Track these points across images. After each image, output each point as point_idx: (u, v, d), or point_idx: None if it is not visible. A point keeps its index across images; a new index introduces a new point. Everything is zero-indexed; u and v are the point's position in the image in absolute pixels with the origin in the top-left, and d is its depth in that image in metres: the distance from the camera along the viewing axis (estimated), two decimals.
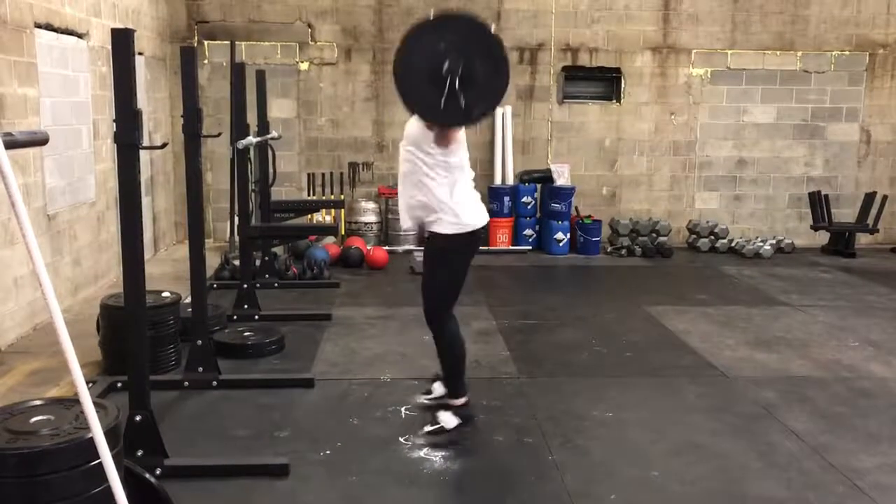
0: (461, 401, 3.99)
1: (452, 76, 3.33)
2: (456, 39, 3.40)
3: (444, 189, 3.90)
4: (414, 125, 3.95)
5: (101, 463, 2.15)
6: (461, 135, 3.91)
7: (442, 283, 4.04)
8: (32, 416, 2.61)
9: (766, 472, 3.76)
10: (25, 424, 2.56)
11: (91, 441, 2.14)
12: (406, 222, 4.13)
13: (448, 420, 3.91)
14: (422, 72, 3.39)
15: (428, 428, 3.90)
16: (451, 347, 4.03)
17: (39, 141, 2.35)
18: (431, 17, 3.51)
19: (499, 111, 9.39)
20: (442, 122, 3.60)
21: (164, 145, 3.56)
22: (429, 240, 4.06)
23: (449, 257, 4.01)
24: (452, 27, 3.46)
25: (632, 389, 4.85)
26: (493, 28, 3.55)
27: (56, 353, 5.23)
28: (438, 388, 4.46)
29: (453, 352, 4.04)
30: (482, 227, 4.06)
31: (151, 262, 8.27)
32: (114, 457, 2.64)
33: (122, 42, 3.25)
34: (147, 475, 2.88)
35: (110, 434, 2.61)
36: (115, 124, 3.24)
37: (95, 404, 2.87)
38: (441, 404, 4.03)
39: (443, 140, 3.78)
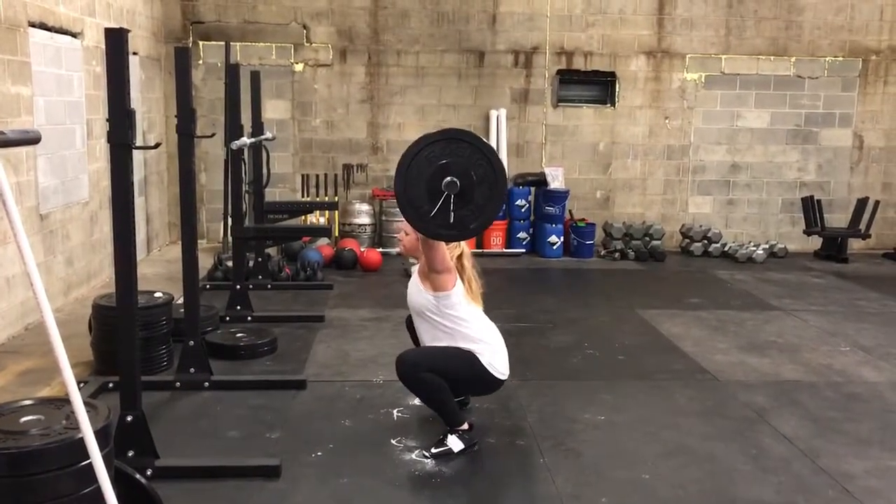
0: (464, 427, 3.97)
1: (449, 192, 3.42)
2: (460, 157, 3.47)
3: (471, 338, 3.91)
4: (413, 292, 4.00)
5: (91, 463, 2.15)
6: (457, 289, 3.88)
7: (445, 365, 3.90)
8: (22, 416, 2.61)
9: (756, 475, 3.77)
10: (15, 424, 2.55)
11: (81, 441, 2.13)
12: None
13: (455, 443, 3.88)
14: (421, 179, 3.47)
15: (434, 450, 3.86)
16: (430, 391, 3.92)
17: (31, 140, 2.34)
18: (444, 132, 3.58)
19: (493, 114, 9.42)
20: (425, 233, 3.62)
21: (157, 145, 3.55)
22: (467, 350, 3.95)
23: (468, 369, 3.92)
24: (460, 146, 3.51)
25: (624, 393, 4.86)
26: (496, 155, 3.59)
27: (47, 353, 5.21)
28: None
29: (433, 395, 3.93)
30: (504, 380, 4.05)
31: (144, 262, 8.25)
32: (104, 457, 2.64)
33: (117, 42, 3.25)
34: (137, 476, 2.88)
35: (101, 434, 2.61)
36: (108, 124, 3.24)
37: (86, 404, 2.86)
38: (447, 429, 3.98)
39: (427, 249, 3.74)
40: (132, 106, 3.27)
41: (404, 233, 4.11)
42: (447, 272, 3.86)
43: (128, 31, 3.26)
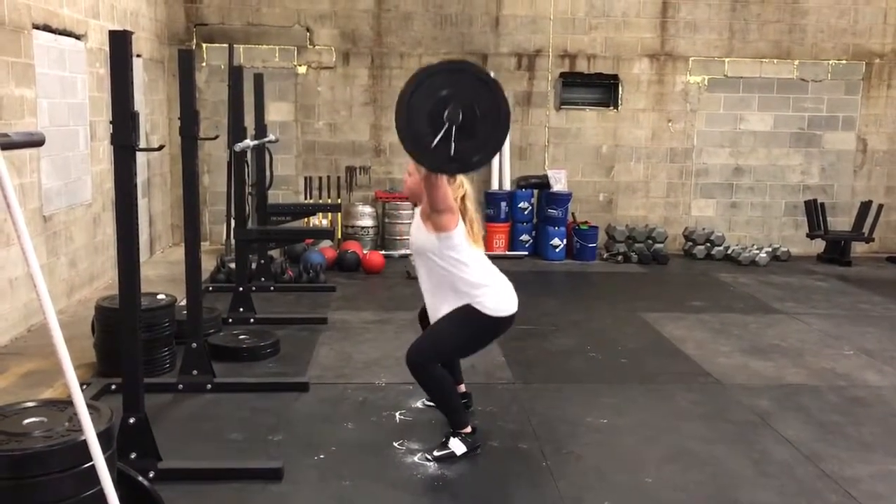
0: (467, 429, 3.96)
1: (450, 124, 3.33)
2: (463, 89, 3.37)
3: (471, 282, 3.82)
4: (416, 233, 3.93)
5: (94, 465, 2.15)
6: (459, 230, 3.80)
7: (445, 345, 3.90)
8: (25, 418, 2.61)
9: (759, 479, 3.76)
10: (18, 426, 2.55)
11: (84, 443, 2.13)
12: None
13: (457, 446, 3.87)
14: (423, 111, 3.37)
15: (437, 453, 3.85)
16: (439, 389, 3.91)
17: (36, 142, 2.35)
18: (446, 63, 3.50)
19: None
20: (426, 164, 3.54)
21: (160, 147, 3.56)
22: (462, 309, 3.87)
23: (474, 330, 3.88)
24: (462, 76, 3.44)
25: (626, 396, 4.85)
26: (491, 74, 3.53)
27: (50, 355, 5.21)
28: None
29: (441, 393, 3.92)
30: (514, 315, 3.96)
31: (147, 264, 8.25)
32: (107, 459, 2.64)
33: (121, 44, 3.25)
34: (140, 478, 2.88)
35: (104, 436, 2.61)
36: (111, 126, 3.24)
37: (89, 406, 2.86)
38: (450, 431, 3.97)
39: (428, 187, 3.67)
40: (135, 108, 3.28)
41: (408, 174, 4.01)
42: (449, 212, 3.75)
43: (132, 33, 3.26)
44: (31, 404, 2.71)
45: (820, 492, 3.65)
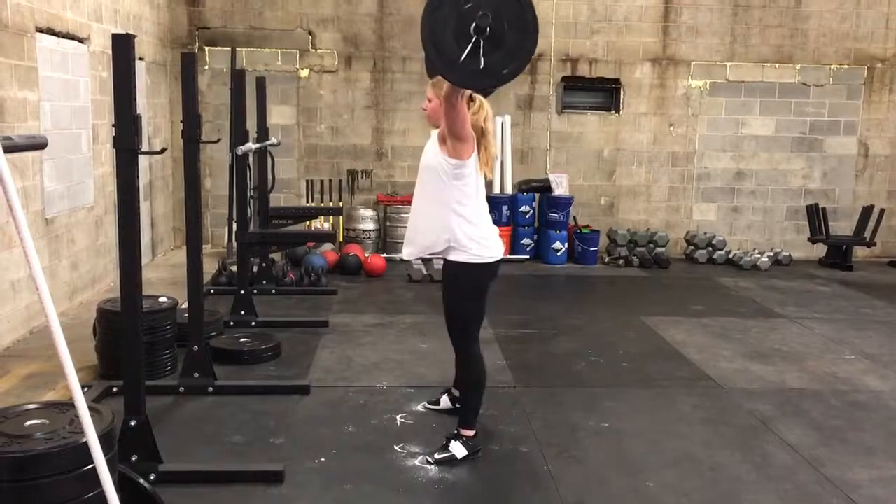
0: (472, 432, 3.96)
1: (479, 35, 3.16)
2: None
3: (464, 217, 3.79)
4: (429, 152, 3.87)
5: (95, 468, 2.15)
6: (472, 161, 3.75)
7: (467, 314, 3.92)
8: (27, 420, 2.61)
9: (760, 484, 3.76)
10: (20, 428, 2.56)
11: (85, 445, 2.13)
12: (410, 249, 3.99)
13: (458, 449, 3.87)
14: (448, 24, 3.21)
15: (437, 455, 3.85)
16: (473, 374, 3.94)
17: (38, 145, 2.36)
18: None
19: (498, 120, 9.41)
20: (453, 79, 3.36)
21: (163, 150, 3.56)
22: (447, 271, 3.91)
23: (472, 288, 3.88)
24: None
25: (627, 400, 4.85)
26: None
27: (52, 357, 5.22)
28: (445, 402, 4.47)
29: (474, 380, 3.95)
30: (501, 259, 3.95)
31: (149, 267, 8.27)
32: (108, 462, 2.64)
33: (123, 47, 3.26)
34: (141, 480, 2.88)
35: (105, 439, 2.61)
36: (114, 129, 3.25)
37: (90, 409, 2.87)
38: (451, 434, 3.98)
39: (448, 109, 3.56)
40: (138, 111, 3.28)
41: (427, 99, 3.94)
42: (466, 140, 3.67)
43: (134, 36, 3.27)
44: (32, 406, 2.72)
45: (821, 496, 3.65)
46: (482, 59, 3.21)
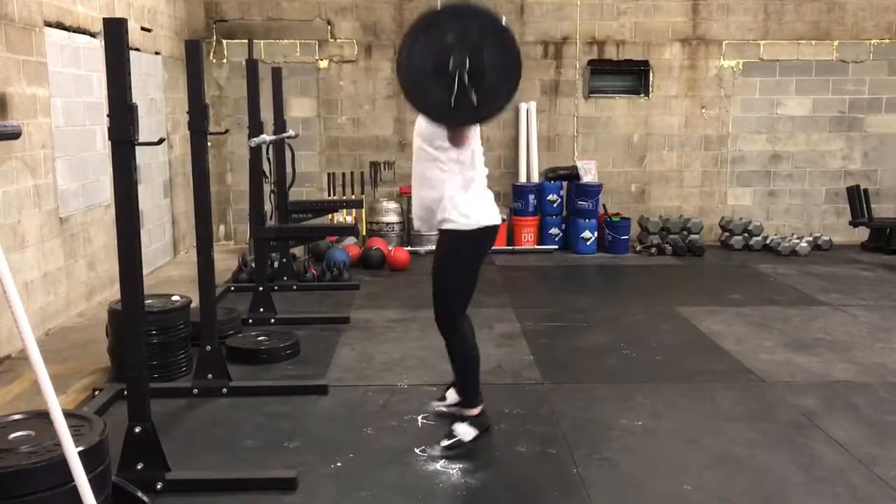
0: (476, 410, 3.76)
1: (460, 72, 3.08)
2: (461, 32, 3.14)
3: (456, 185, 3.69)
4: (423, 124, 3.74)
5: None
6: (475, 130, 3.67)
7: (453, 283, 3.82)
8: (12, 432, 2.44)
9: (809, 486, 3.48)
10: (4, 441, 2.39)
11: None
12: (418, 223, 3.94)
13: (465, 431, 3.68)
14: (427, 69, 3.14)
15: (445, 442, 3.68)
16: (462, 352, 3.81)
17: (11, 135, 2.18)
18: (437, 9, 3.25)
19: (523, 107, 9.16)
20: (453, 124, 3.35)
21: (161, 140, 3.38)
22: (439, 239, 3.84)
23: (461, 256, 3.78)
24: (456, 19, 3.19)
25: (662, 396, 4.58)
26: (501, 18, 3.27)
27: (66, 360, 5.10)
28: (452, 395, 4.25)
29: (464, 356, 3.82)
30: (495, 226, 3.83)
31: (171, 264, 8.16)
32: (100, 474, 2.47)
33: (116, 32, 3.08)
34: (139, 493, 2.70)
35: (95, 450, 2.44)
36: (108, 119, 3.07)
37: (81, 418, 2.70)
38: (456, 415, 3.80)
39: (457, 140, 3.56)
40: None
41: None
42: (469, 139, 3.63)
43: (126, 20, 3.09)
44: (18, 417, 2.54)
45: (876, 499, 3.37)
46: (473, 96, 3.15)
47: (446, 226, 3.74)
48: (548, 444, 3.92)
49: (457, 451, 3.67)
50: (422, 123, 3.74)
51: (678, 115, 9.40)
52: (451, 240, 3.75)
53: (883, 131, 9.49)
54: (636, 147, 9.46)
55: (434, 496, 3.40)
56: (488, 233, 3.81)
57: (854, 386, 4.74)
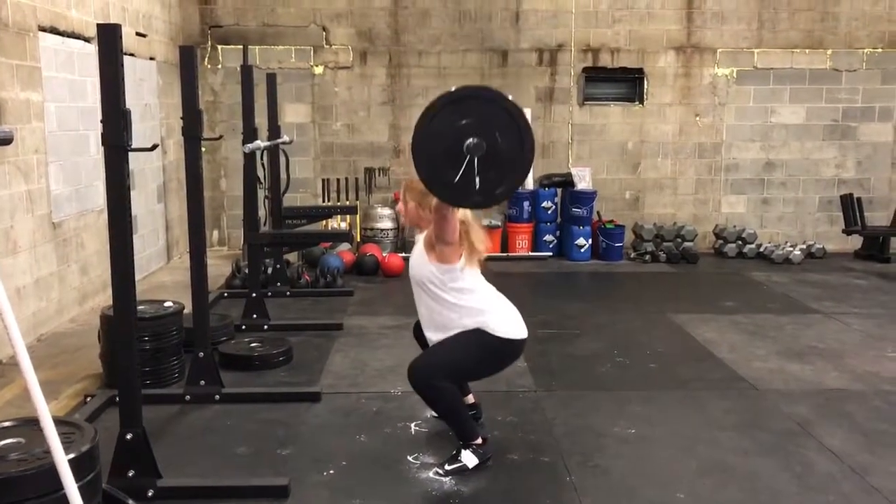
0: (478, 441, 3.73)
1: (472, 154, 3.10)
2: (478, 117, 3.15)
3: (479, 300, 3.69)
4: (417, 263, 3.76)
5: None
6: (462, 260, 3.64)
7: (452, 366, 3.67)
8: (2, 439, 2.43)
9: (802, 495, 3.48)
10: None
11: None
12: (430, 336, 3.82)
13: (470, 459, 3.64)
14: (441, 143, 3.14)
15: (448, 466, 3.63)
16: (447, 404, 3.68)
17: (3, 140, 2.17)
18: (453, 91, 3.27)
19: None
20: (448, 200, 3.31)
21: (154, 147, 3.36)
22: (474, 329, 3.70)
23: (484, 351, 3.69)
24: (475, 103, 3.21)
25: (656, 404, 4.58)
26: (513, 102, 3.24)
27: (59, 365, 5.07)
28: None
29: (448, 407, 3.70)
30: (522, 340, 3.77)
31: (164, 270, 8.14)
32: (90, 481, 2.45)
33: (110, 38, 3.07)
34: (129, 501, 2.68)
35: (85, 457, 2.42)
36: (101, 125, 3.06)
37: (72, 424, 2.69)
38: (461, 443, 3.75)
39: (444, 227, 3.50)
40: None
41: (402, 202, 3.85)
42: (455, 244, 3.61)
43: (120, 26, 3.08)
44: (8, 423, 2.53)
45: None
46: (477, 180, 3.13)
47: (483, 328, 3.67)
48: (541, 451, 3.91)
49: (461, 477, 3.62)
50: (413, 269, 3.77)
51: (672, 123, 9.43)
52: (479, 333, 3.66)
53: (876, 140, 9.53)
54: (630, 154, 9.48)
55: None
56: (513, 346, 3.75)
57: (847, 394, 4.74)
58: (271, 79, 6.87)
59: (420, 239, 3.86)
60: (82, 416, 4.02)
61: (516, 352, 3.82)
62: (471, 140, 3.10)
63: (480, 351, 3.68)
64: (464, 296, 3.67)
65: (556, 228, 9.22)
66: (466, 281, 3.68)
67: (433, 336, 3.78)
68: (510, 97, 3.21)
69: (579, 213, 8.95)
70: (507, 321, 3.73)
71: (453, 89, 3.22)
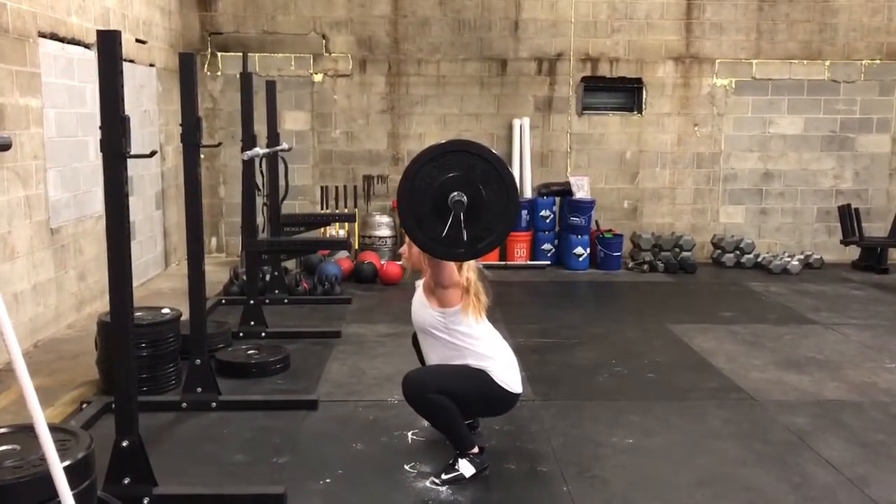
0: (475, 450, 3.72)
1: (457, 210, 3.17)
2: (467, 172, 3.23)
3: (484, 347, 3.70)
4: (419, 310, 3.78)
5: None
6: (465, 304, 3.65)
7: (460, 392, 3.64)
8: None
9: None
10: None
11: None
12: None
13: (466, 468, 3.63)
14: (428, 195, 3.22)
15: (445, 476, 3.62)
16: (442, 415, 3.67)
17: (1, 146, 2.16)
18: (441, 146, 3.32)
19: (516, 123, 9.19)
20: (434, 253, 3.39)
21: (153, 153, 3.36)
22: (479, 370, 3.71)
23: (483, 392, 3.68)
24: (461, 157, 3.25)
25: (654, 414, 4.57)
26: (504, 163, 3.32)
27: (56, 372, 5.06)
28: None
29: (444, 419, 3.68)
30: (516, 395, 3.78)
31: (162, 276, 8.12)
32: (86, 489, 2.44)
33: (109, 45, 3.08)
34: None
35: (81, 465, 2.41)
36: (100, 131, 3.06)
37: (67, 432, 2.67)
38: (457, 452, 3.74)
39: (434, 266, 3.54)
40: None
41: (407, 245, 3.88)
42: (454, 286, 3.64)
43: (120, 32, 3.08)
44: (3, 430, 2.52)
45: None
46: (465, 232, 3.23)
47: (486, 371, 3.69)
48: (538, 461, 3.90)
49: (458, 486, 3.61)
50: (419, 313, 3.78)
51: (671, 133, 9.44)
52: (482, 373, 3.66)
53: (874, 151, 9.55)
54: (629, 164, 9.49)
55: None
56: (508, 398, 3.76)
57: (845, 405, 4.74)
58: (271, 86, 6.88)
59: (419, 285, 3.88)
60: (78, 423, 4.00)
61: (509, 404, 3.83)
62: (454, 195, 3.17)
63: (479, 390, 3.67)
64: (469, 339, 3.69)
65: (555, 237, 9.23)
66: (472, 327, 3.69)
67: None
68: (493, 150, 3.29)
69: (577, 223, 8.95)
70: (509, 373, 3.74)
71: (434, 145, 3.31)
